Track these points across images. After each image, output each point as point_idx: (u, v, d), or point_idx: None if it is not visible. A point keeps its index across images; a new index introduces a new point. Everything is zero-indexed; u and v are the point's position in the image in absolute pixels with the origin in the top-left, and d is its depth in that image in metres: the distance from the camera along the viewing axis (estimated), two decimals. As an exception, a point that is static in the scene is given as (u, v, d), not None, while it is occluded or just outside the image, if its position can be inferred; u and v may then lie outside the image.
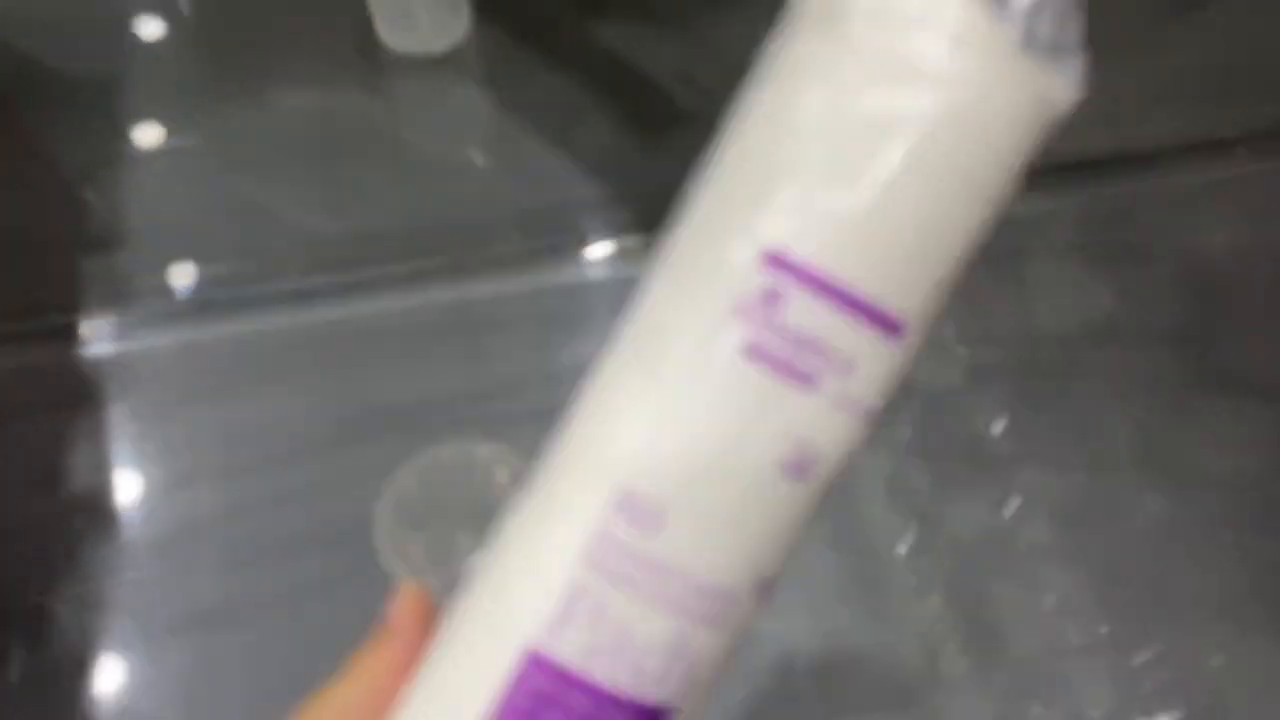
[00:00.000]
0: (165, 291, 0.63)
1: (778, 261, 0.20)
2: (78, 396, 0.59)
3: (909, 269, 0.21)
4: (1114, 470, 0.57)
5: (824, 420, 0.21)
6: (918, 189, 0.20)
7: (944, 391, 0.59)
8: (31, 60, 0.72)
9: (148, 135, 0.70)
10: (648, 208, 0.66)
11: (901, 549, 0.54)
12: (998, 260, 0.64)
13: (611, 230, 0.65)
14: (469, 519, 0.53)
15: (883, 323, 0.21)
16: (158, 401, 0.59)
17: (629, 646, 0.21)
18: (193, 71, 0.73)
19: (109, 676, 0.51)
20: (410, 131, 0.72)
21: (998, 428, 0.58)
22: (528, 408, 0.58)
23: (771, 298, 0.20)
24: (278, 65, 0.73)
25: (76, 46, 0.73)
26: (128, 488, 0.57)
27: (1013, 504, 0.56)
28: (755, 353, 0.21)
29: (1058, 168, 0.67)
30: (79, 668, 0.51)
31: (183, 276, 0.64)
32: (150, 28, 0.74)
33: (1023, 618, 0.52)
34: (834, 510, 0.55)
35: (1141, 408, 0.59)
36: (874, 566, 0.54)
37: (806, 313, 0.20)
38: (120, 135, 0.69)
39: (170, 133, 0.70)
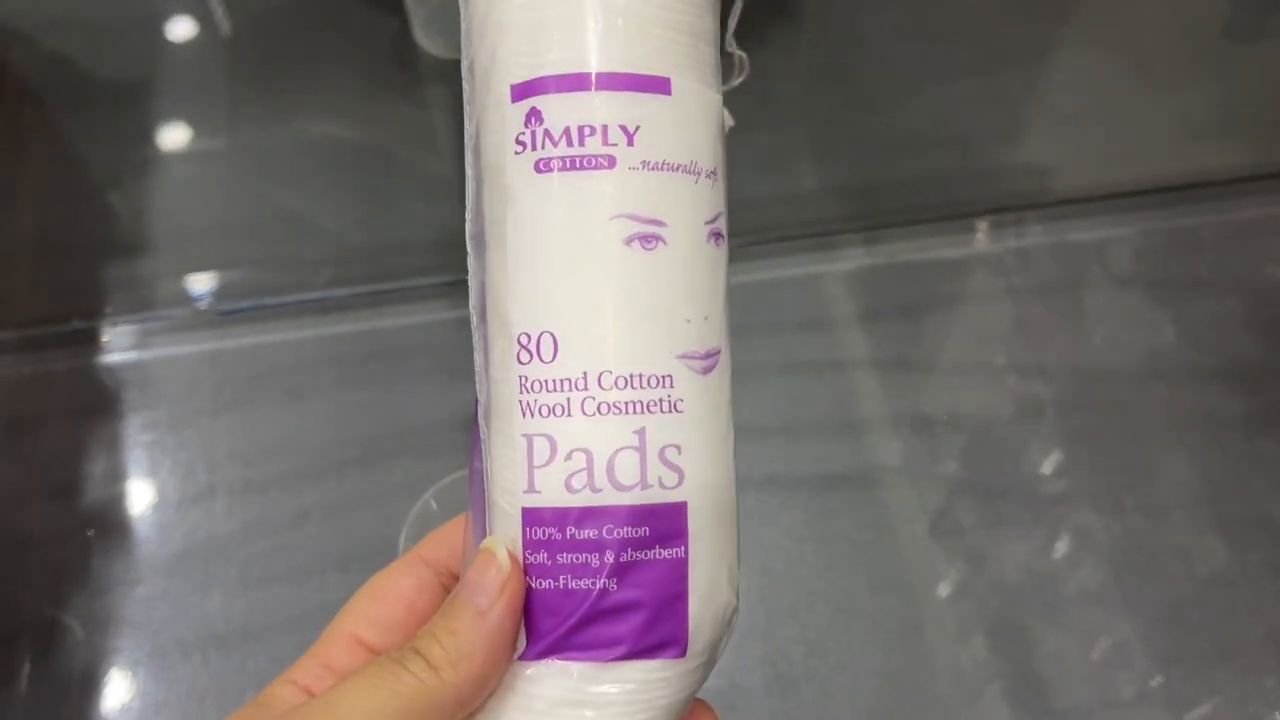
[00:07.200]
0: (188, 300, 0.62)
1: (522, 89, 0.23)
2: (96, 405, 0.58)
3: (630, 29, 0.22)
4: (1170, 513, 0.54)
5: (640, 185, 0.22)
6: None
7: (992, 425, 0.57)
8: (62, 60, 0.71)
9: (175, 140, 0.69)
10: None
11: (943, 590, 0.52)
12: (1052, 290, 0.61)
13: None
14: None
15: (639, 84, 0.22)
16: (177, 413, 0.58)
17: (595, 462, 0.22)
18: (224, 77, 0.71)
19: (118, 693, 0.50)
20: (443, 138, 0.70)
21: (1048, 465, 0.56)
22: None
23: (533, 117, 0.22)
24: (311, 71, 0.72)
25: (108, 48, 0.73)
26: (143, 501, 0.56)
27: (1062, 546, 0.53)
28: (544, 166, 0.22)
29: (1118, 195, 0.65)
30: (88, 683, 0.50)
31: (206, 285, 0.63)
32: (183, 31, 0.73)
33: (1070, 666, 0.50)
34: (872, 548, 0.53)
35: (1200, 447, 0.56)
36: (913, 607, 0.51)
37: (564, 111, 0.22)
38: (147, 139, 0.68)
39: (198, 138, 0.69)
